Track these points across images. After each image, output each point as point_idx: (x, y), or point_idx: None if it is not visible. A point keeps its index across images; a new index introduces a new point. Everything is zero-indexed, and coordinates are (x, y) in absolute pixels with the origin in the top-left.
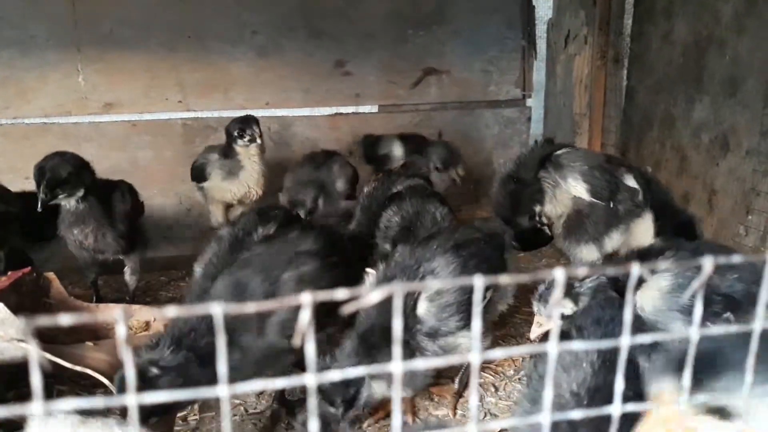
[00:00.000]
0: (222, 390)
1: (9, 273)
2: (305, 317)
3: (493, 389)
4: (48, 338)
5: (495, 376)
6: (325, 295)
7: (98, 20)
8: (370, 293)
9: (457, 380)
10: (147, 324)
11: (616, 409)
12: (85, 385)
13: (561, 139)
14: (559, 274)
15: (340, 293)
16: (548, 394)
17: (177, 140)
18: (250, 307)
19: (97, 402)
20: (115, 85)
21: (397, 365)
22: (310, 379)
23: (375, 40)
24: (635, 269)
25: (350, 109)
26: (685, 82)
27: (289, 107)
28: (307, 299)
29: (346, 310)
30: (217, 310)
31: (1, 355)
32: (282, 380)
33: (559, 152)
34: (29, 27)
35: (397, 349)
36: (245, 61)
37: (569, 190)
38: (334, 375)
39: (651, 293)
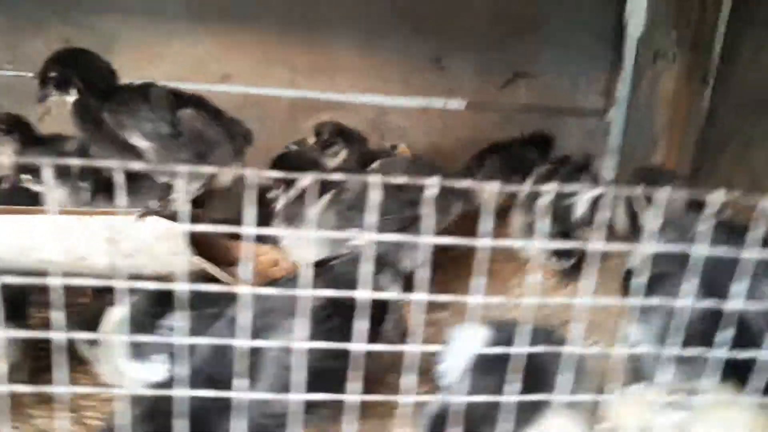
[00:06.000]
0: None
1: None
2: None
3: None
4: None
5: None
6: None
7: None
8: None
9: None
10: (275, 262)
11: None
12: None
13: (639, 153)
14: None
15: None
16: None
17: (283, 116)
18: None
19: None
20: (232, 59)
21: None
22: None
23: (472, 41)
24: None
25: (441, 103)
26: (767, 110)
27: (385, 95)
28: None
29: None
30: None
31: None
32: None
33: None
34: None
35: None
36: (350, 49)
37: None
38: None
39: None
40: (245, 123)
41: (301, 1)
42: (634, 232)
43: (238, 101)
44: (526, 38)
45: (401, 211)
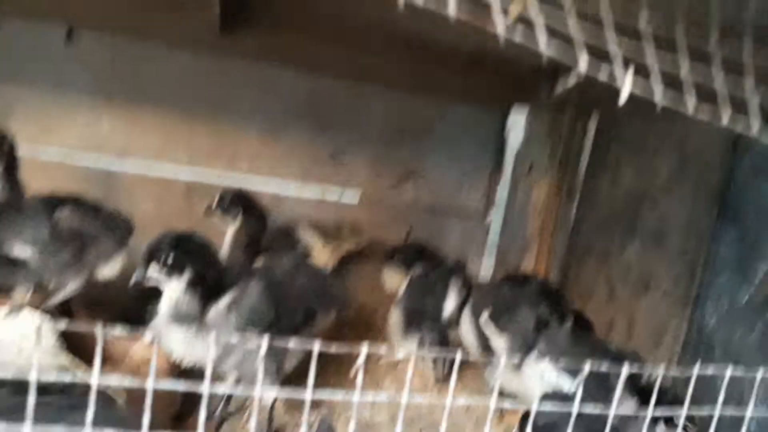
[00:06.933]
0: None
1: None
2: None
3: None
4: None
5: None
6: None
7: (130, 77)
8: None
9: None
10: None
11: None
12: None
13: (513, 256)
14: None
15: None
16: None
17: (179, 198)
18: None
19: None
20: (132, 137)
21: None
22: None
23: (369, 139)
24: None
25: (336, 195)
26: (622, 225)
27: (285, 183)
28: None
29: None
30: None
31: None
32: None
33: None
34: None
35: None
36: (251, 137)
37: None
38: None
39: None
40: (139, 202)
41: (207, 86)
42: (484, 347)
43: (135, 181)
44: (416, 141)
45: (293, 313)
